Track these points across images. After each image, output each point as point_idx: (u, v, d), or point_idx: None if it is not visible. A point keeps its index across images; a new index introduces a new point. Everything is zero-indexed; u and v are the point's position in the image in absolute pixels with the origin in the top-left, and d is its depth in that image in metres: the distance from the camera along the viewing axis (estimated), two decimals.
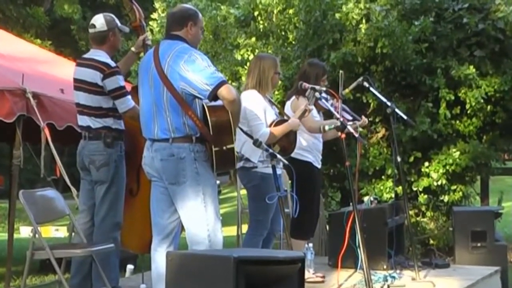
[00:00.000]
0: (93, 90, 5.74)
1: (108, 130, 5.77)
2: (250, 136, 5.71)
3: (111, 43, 5.96)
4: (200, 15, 5.01)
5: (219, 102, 4.67)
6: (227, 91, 4.59)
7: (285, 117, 6.11)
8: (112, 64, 5.80)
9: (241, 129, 5.79)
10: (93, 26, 5.92)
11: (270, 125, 5.79)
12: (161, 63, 4.71)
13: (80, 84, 5.83)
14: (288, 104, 6.57)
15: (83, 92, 5.80)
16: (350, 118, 6.57)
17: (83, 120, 5.83)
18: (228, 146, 4.75)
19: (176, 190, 4.74)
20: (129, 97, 5.69)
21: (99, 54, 5.85)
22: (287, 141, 5.86)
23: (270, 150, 5.29)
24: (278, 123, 5.84)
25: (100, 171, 5.78)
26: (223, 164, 4.82)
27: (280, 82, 8.66)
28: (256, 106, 5.82)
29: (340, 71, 6.04)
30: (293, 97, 6.52)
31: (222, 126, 4.72)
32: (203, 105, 4.74)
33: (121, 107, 5.72)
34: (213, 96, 4.59)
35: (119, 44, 6.10)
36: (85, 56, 6.04)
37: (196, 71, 4.60)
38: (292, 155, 6.19)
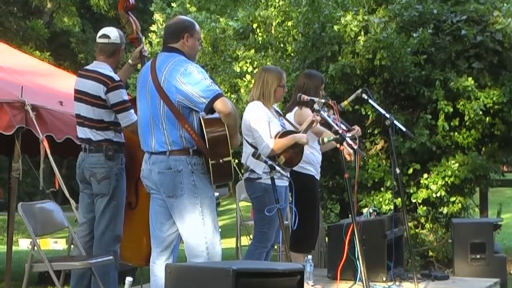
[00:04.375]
0: (96, 103, 5.72)
1: (110, 143, 5.75)
2: (255, 148, 5.71)
3: (118, 57, 5.96)
4: (196, 26, 5.00)
5: (215, 115, 4.67)
6: (222, 104, 4.59)
7: (293, 128, 6.10)
8: (116, 77, 5.78)
9: (247, 141, 5.80)
10: (107, 37, 5.87)
11: (275, 137, 5.79)
12: (158, 76, 4.72)
13: (81, 96, 5.81)
14: (290, 115, 6.57)
15: (84, 104, 5.78)
16: (346, 129, 6.59)
17: (84, 132, 5.81)
18: (225, 159, 4.74)
19: (173, 203, 4.74)
20: (132, 111, 5.63)
21: (103, 67, 5.83)
22: (293, 153, 5.85)
23: (269, 162, 5.28)
24: (283, 134, 5.83)
25: (101, 184, 5.76)
26: (221, 177, 4.83)
27: None
28: (260, 118, 5.81)
29: (334, 101, 6.05)
30: (296, 108, 6.51)
31: (218, 139, 4.72)
32: (199, 118, 4.74)
33: (124, 121, 5.70)
34: (209, 109, 4.60)
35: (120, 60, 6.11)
36: (88, 67, 6.00)
37: (192, 84, 4.61)
38: (294, 168, 6.20)
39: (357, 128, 6.64)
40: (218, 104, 4.58)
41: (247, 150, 5.85)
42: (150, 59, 5.09)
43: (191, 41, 4.89)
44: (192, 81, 4.62)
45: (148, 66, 4.90)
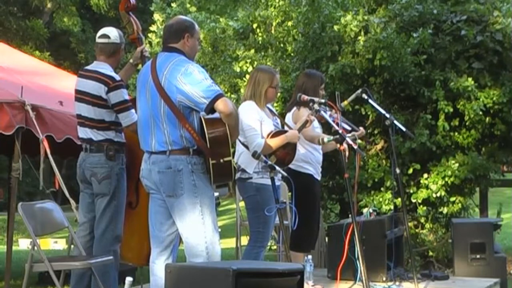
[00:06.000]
0: (97, 102, 5.73)
1: (110, 143, 5.76)
2: (247, 147, 5.71)
3: (119, 57, 5.97)
4: (196, 26, 5.00)
5: (216, 115, 4.68)
6: (223, 104, 4.59)
7: (287, 128, 6.10)
8: (117, 77, 5.79)
9: (239, 140, 5.79)
10: (107, 36, 5.88)
11: (267, 137, 5.78)
12: (158, 76, 4.72)
13: (82, 96, 5.81)
14: (289, 115, 6.57)
15: (85, 104, 5.78)
16: (349, 128, 6.58)
17: (84, 132, 5.82)
18: (226, 159, 4.74)
19: (173, 202, 4.74)
20: (133, 111, 5.63)
21: (103, 67, 5.83)
22: (284, 153, 5.84)
23: (269, 162, 5.28)
24: (275, 134, 5.82)
25: (102, 184, 5.76)
26: (221, 177, 4.83)
27: (279, 94, 8.68)
28: (252, 117, 5.80)
29: (336, 92, 6.05)
30: (294, 108, 6.52)
31: (219, 139, 4.72)
32: (200, 118, 4.74)
33: (125, 120, 5.70)
34: (210, 109, 4.60)
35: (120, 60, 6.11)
36: (89, 67, 6.01)
37: (193, 84, 4.61)
38: (293, 167, 6.19)
39: (361, 129, 6.65)
40: (219, 105, 4.58)
41: (238, 149, 5.87)
42: (150, 59, 5.09)
43: (192, 41, 4.90)
44: (193, 81, 4.62)
45: (148, 66, 4.90)
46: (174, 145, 4.70)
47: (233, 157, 5.99)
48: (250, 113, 5.82)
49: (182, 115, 4.67)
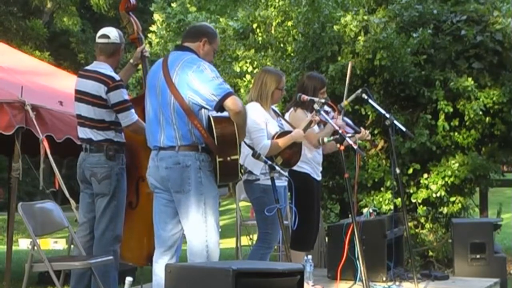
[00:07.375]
0: (97, 102, 5.73)
1: (110, 143, 5.76)
2: (253, 149, 5.71)
3: (119, 57, 5.97)
4: (218, 37, 5.06)
5: (225, 114, 4.70)
6: (233, 102, 4.61)
7: (291, 128, 6.10)
8: (117, 77, 5.79)
9: (244, 142, 5.80)
10: (107, 36, 5.88)
11: (273, 138, 5.78)
12: (170, 72, 4.74)
13: (82, 96, 5.81)
14: (286, 116, 6.57)
15: (85, 104, 5.78)
16: (351, 131, 6.58)
17: (84, 132, 5.81)
18: (233, 157, 4.76)
19: (181, 198, 4.74)
20: (133, 111, 5.66)
21: (103, 67, 5.83)
22: (290, 153, 5.84)
23: (269, 162, 5.28)
24: (280, 135, 5.83)
25: (102, 183, 5.76)
26: (227, 175, 4.83)
27: None
28: (258, 119, 5.81)
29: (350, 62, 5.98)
30: (291, 109, 6.52)
31: (227, 137, 4.73)
32: (209, 116, 4.75)
33: (125, 120, 5.70)
34: (220, 106, 4.63)
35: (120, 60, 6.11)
36: (88, 68, 6.01)
37: (204, 82, 4.64)
38: None
39: (364, 130, 6.64)
40: (229, 102, 4.60)
41: (244, 151, 5.84)
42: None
43: (208, 47, 4.95)
44: (204, 78, 4.65)
45: (159, 63, 4.91)
46: (183, 139, 4.70)
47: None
48: (255, 115, 5.83)
49: (191, 112, 4.68)
